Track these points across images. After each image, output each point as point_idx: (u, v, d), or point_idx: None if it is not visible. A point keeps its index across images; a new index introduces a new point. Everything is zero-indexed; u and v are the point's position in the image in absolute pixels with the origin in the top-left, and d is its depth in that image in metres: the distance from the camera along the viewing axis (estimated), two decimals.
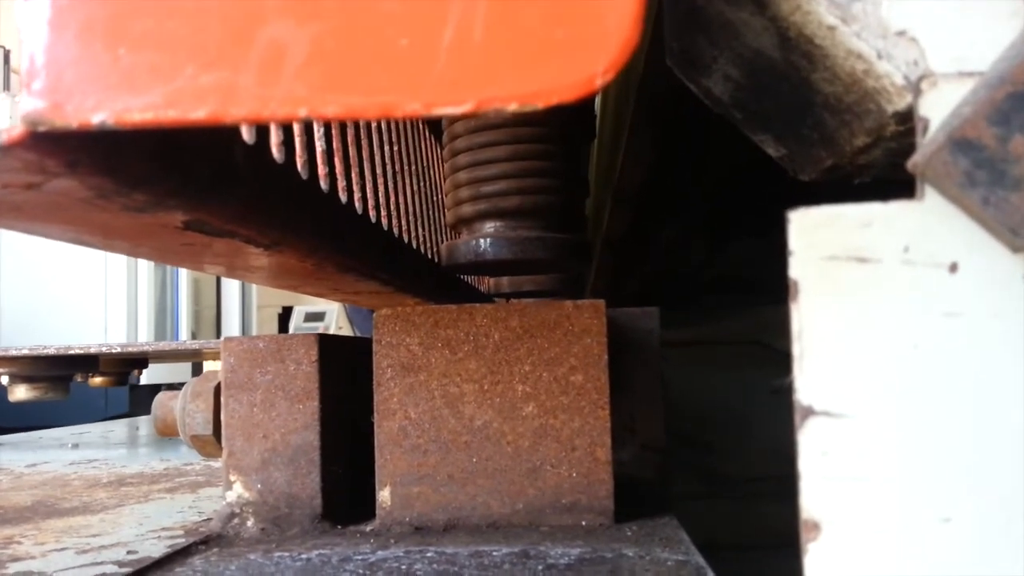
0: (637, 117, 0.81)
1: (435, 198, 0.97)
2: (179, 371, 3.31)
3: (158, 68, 0.26)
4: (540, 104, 0.25)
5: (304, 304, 5.13)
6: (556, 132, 0.75)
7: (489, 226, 0.72)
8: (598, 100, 1.23)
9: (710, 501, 1.64)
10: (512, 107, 0.25)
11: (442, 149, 0.79)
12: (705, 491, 1.66)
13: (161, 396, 0.70)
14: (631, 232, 1.28)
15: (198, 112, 0.26)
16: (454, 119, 0.74)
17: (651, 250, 1.43)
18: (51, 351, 1.15)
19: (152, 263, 3.75)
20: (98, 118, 0.26)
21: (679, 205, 1.25)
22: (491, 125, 0.72)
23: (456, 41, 0.25)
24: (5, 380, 1.23)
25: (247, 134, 0.42)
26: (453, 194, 0.74)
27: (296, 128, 0.51)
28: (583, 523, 0.57)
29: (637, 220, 1.20)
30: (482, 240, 0.70)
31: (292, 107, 0.25)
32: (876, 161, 0.36)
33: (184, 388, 0.66)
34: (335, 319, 4.77)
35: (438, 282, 0.87)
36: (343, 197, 0.60)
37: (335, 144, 0.60)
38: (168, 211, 0.37)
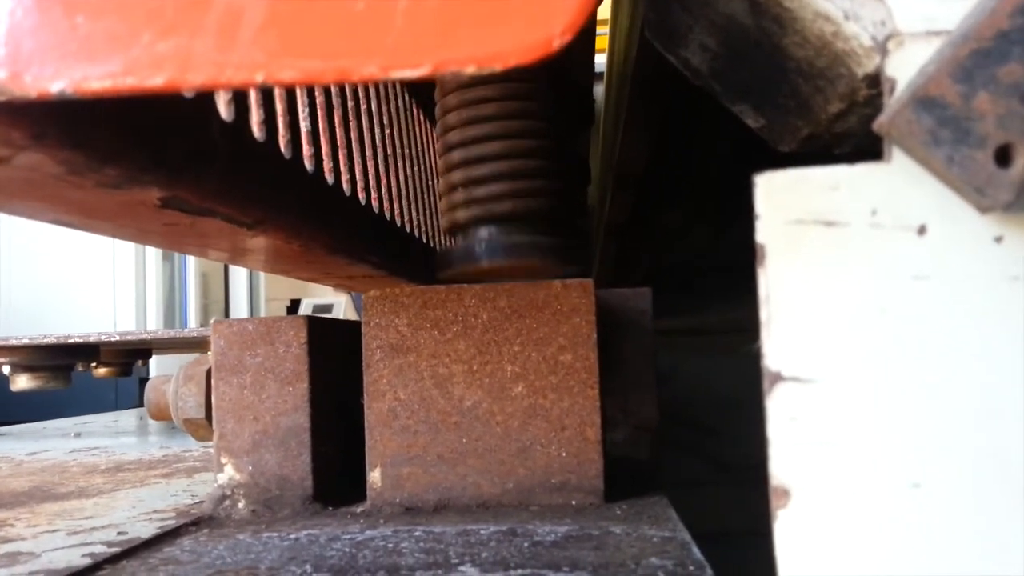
0: (634, 99, 0.81)
1: (429, 182, 0.97)
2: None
3: (116, 36, 0.26)
4: (498, 66, 0.25)
5: (312, 296, 5.13)
6: (550, 125, 0.74)
7: (483, 231, 0.72)
8: (600, 88, 1.23)
9: (716, 486, 1.64)
10: (470, 69, 0.25)
11: (436, 135, 0.78)
12: (712, 476, 1.65)
13: (154, 380, 0.70)
14: (633, 217, 1.28)
15: (155, 79, 0.26)
16: (447, 109, 0.74)
17: (655, 236, 1.42)
18: (51, 340, 1.15)
19: (160, 255, 3.76)
20: (57, 87, 0.26)
21: (680, 189, 1.24)
22: (483, 117, 0.72)
23: (412, 3, 0.25)
24: (7, 370, 1.24)
25: (224, 111, 0.42)
26: (447, 198, 0.74)
27: (279, 107, 0.51)
28: (573, 502, 0.57)
29: (639, 204, 1.20)
30: (476, 246, 0.70)
31: (249, 72, 0.25)
32: (853, 129, 0.35)
33: (176, 372, 0.66)
34: (343, 311, 4.78)
35: (433, 265, 0.87)
36: (330, 179, 0.60)
37: (322, 125, 0.60)
38: (143, 187, 0.37)
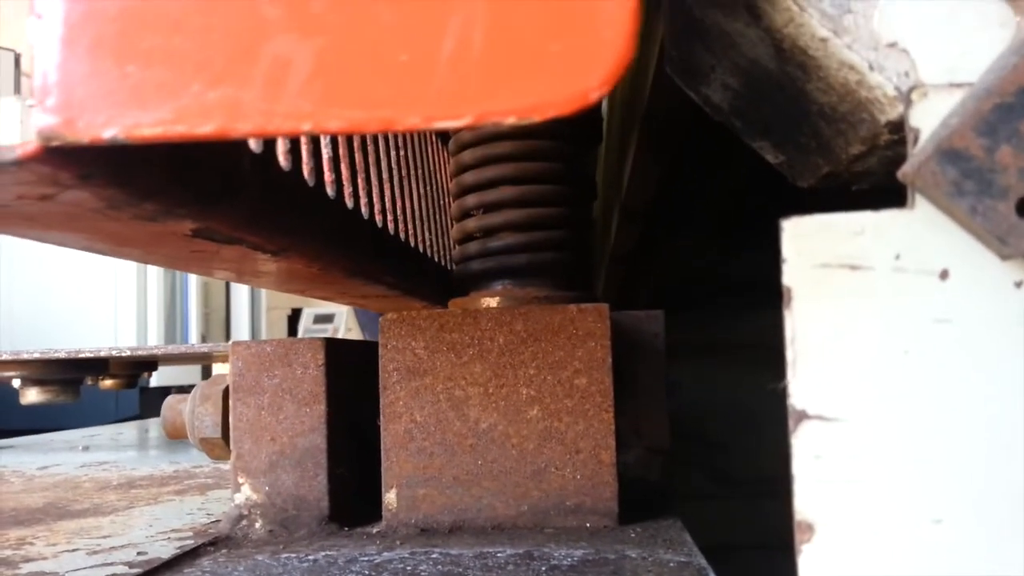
0: (642, 142, 0.81)
1: (442, 202, 0.98)
2: (189, 373, 3.32)
3: (166, 84, 0.27)
4: (537, 117, 0.26)
5: (313, 307, 5.15)
6: (567, 166, 0.76)
7: (497, 285, 0.73)
8: (605, 106, 1.24)
9: (724, 501, 1.65)
10: (510, 121, 0.26)
11: (449, 159, 0.79)
12: (720, 492, 1.66)
13: (170, 399, 0.71)
14: (641, 244, 1.29)
15: (205, 127, 0.26)
16: (461, 145, 0.75)
17: (663, 257, 1.43)
18: (62, 354, 1.16)
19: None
20: (109, 133, 0.27)
21: (689, 217, 1.25)
22: (498, 157, 0.73)
23: (455, 56, 0.26)
24: (17, 383, 1.25)
25: (254, 144, 0.43)
26: (461, 249, 0.75)
27: (303, 136, 0.52)
28: (587, 525, 0.57)
29: (646, 233, 1.21)
30: (490, 300, 0.71)
31: (296, 122, 0.26)
32: (872, 169, 0.36)
33: (193, 391, 0.67)
34: (344, 321, 4.79)
35: (445, 285, 0.88)
36: (349, 203, 0.61)
37: (341, 151, 0.61)
38: (177, 220, 0.38)
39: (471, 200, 0.75)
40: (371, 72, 0.26)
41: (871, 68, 0.29)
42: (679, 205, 1.12)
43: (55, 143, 0.27)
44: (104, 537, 0.61)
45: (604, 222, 1.34)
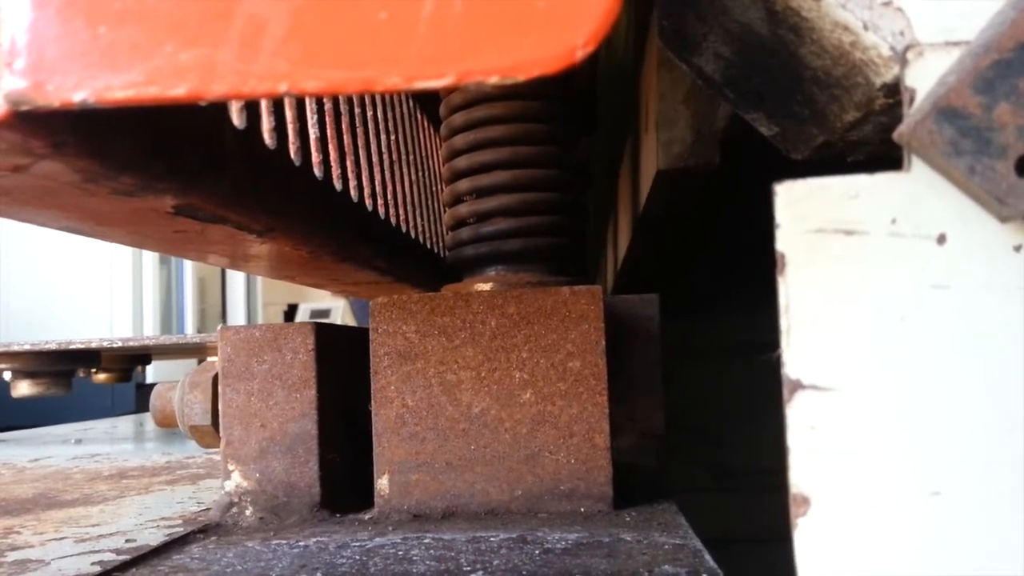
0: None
1: (433, 188, 0.97)
2: (186, 368, 3.31)
3: (138, 45, 0.26)
4: (521, 76, 0.25)
5: (310, 301, 5.14)
6: (560, 150, 0.75)
7: (490, 270, 0.72)
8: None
9: (722, 494, 1.65)
10: (493, 80, 0.25)
11: (440, 144, 0.79)
12: (717, 484, 1.66)
13: (159, 387, 0.70)
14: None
15: (178, 89, 0.26)
16: (454, 129, 0.74)
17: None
18: (52, 346, 1.15)
19: (157, 261, 3.76)
20: (79, 96, 0.26)
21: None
22: (491, 141, 0.72)
23: (436, 14, 0.25)
24: (7, 376, 1.24)
25: (237, 119, 0.42)
26: (454, 235, 0.75)
27: (289, 114, 0.51)
28: (582, 509, 0.57)
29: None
30: (483, 286, 0.70)
31: (273, 83, 0.25)
32: (868, 137, 0.35)
33: (182, 379, 0.66)
34: (341, 315, 4.78)
35: (438, 271, 0.87)
36: (338, 185, 0.60)
37: (329, 131, 0.60)
38: (157, 195, 0.37)
39: (464, 185, 0.74)
40: (350, 31, 0.25)
41: (865, 28, 0.28)
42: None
43: (24, 107, 0.26)
44: (93, 526, 0.60)
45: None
